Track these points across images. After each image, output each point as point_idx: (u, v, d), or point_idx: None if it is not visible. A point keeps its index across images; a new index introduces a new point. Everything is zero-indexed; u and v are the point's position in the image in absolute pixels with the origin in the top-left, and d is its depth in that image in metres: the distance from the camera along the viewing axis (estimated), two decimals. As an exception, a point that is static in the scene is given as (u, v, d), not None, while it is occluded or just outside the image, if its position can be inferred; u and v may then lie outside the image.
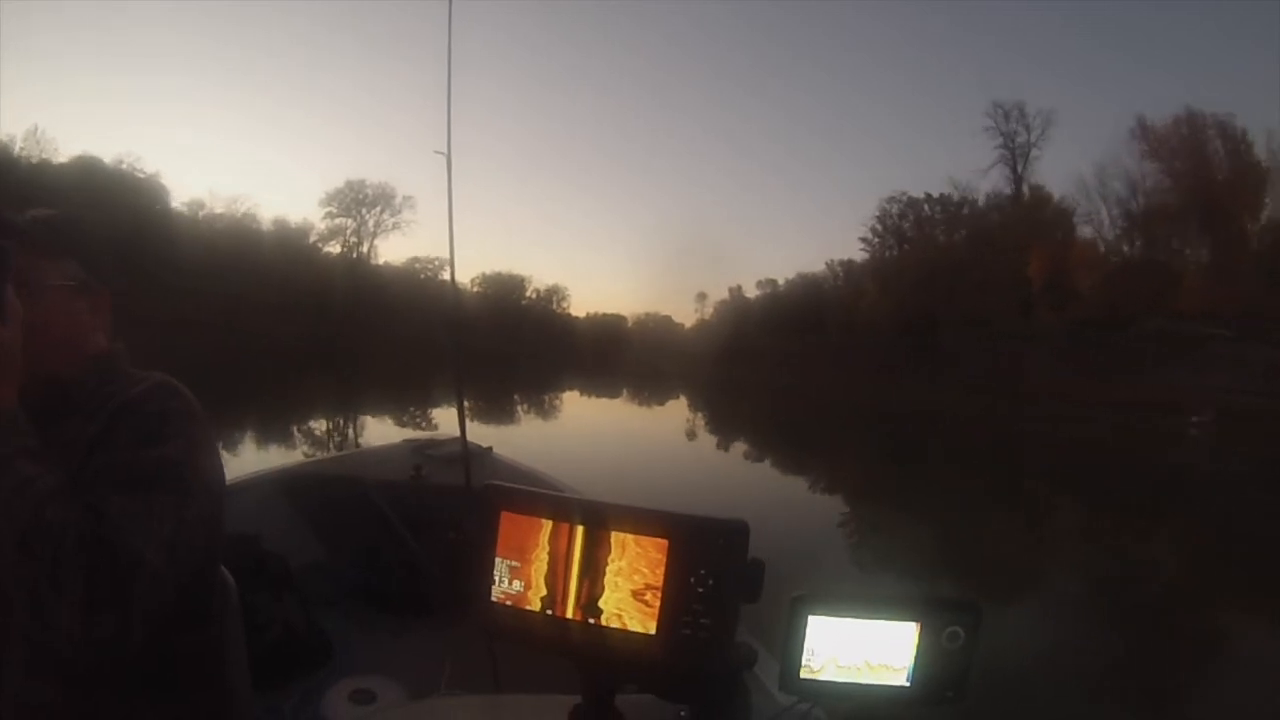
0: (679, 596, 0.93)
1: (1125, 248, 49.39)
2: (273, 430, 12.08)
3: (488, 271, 72.33)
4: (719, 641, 0.93)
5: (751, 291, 77.42)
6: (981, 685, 1.07)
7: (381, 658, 2.47)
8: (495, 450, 3.71)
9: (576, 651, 0.98)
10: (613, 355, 68.26)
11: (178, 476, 0.99)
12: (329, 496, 3.17)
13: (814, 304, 65.14)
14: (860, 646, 1.01)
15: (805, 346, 59.15)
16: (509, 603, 0.98)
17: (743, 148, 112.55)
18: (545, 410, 25.49)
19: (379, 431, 13.01)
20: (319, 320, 48.42)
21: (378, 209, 61.23)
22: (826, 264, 70.45)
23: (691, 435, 19.97)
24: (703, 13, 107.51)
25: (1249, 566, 8.16)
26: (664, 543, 0.93)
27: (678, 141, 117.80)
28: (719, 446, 18.09)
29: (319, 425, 13.86)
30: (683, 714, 1.10)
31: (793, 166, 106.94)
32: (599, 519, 0.96)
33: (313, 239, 60.19)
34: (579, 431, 19.54)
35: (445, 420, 13.72)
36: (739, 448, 18.19)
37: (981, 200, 56.91)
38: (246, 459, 8.60)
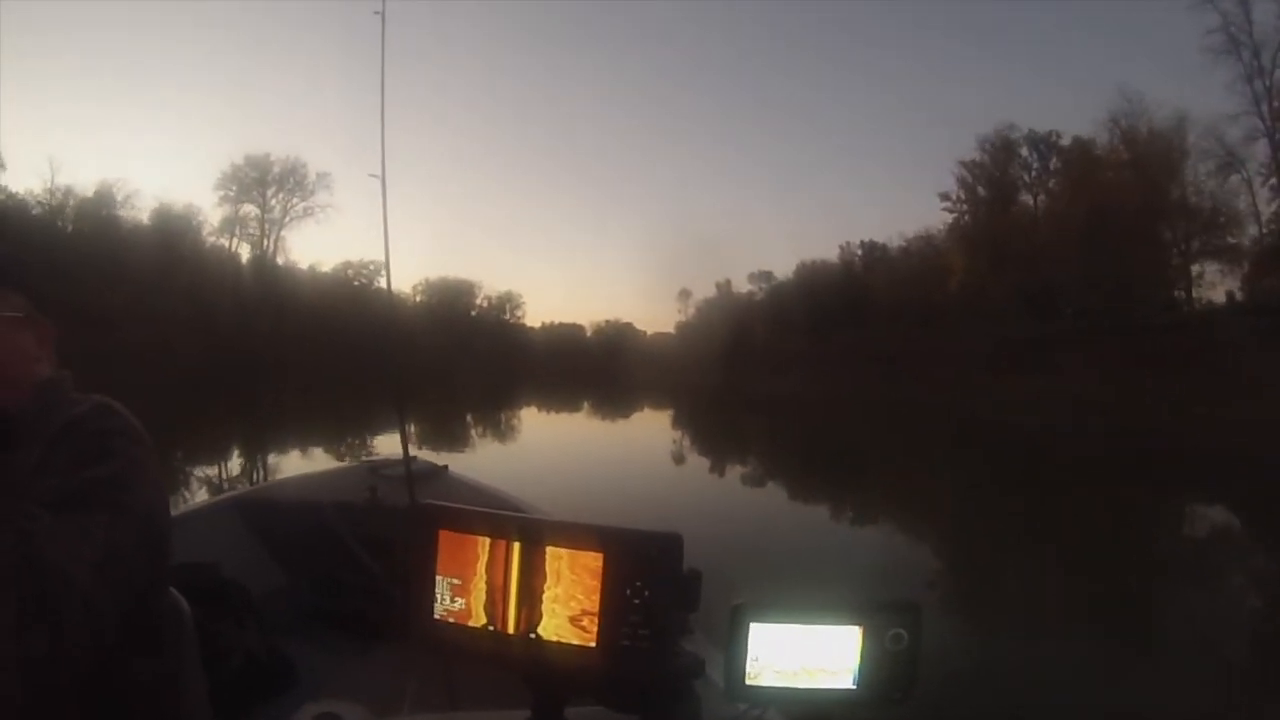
0: (616, 609, 1.02)
1: None
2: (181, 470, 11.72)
3: (432, 278, 70.59)
4: (659, 651, 1.02)
5: (743, 286, 73.83)
6: (928, 686, 1.15)
7: (346, 681, 2.60)
8: (451, 469, 3.84)
9: (520, 666, 1.07)
10: (572, 367, 67.81)
11: (113, 497, 1.03)
12: (287, 521, 3.32)
13: (846, 291, 57.30)
14: (804, 652, 1.11)
15: (830, 344, 51.59)
16: (452, 620, 1.07)
17: (712, 129, 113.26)
18: (503, 429, 25.49)
19: (295, 465, 12.72)
20: (220, 332, 44.41)
21: (286, 190, 56.05)
22: (841, 247, 64.49)
23: (658, 451, 19.92)
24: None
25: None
26: (599, 556, 1.03)
27: (639, 133, 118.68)
28: (686, 462, 18.13)
29: (222, 465, 13.28)
30: None
31: (784, 136, 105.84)
32: (535, 535, 1.05)
33: (207, 232, 54.70)
34: (539, 450, 19.54)
35: (383, 446, 13.65)
36: (707, 463, 18.21)
37: (1150, 125, 40.53)
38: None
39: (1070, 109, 72.18)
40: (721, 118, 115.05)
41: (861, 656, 1.10)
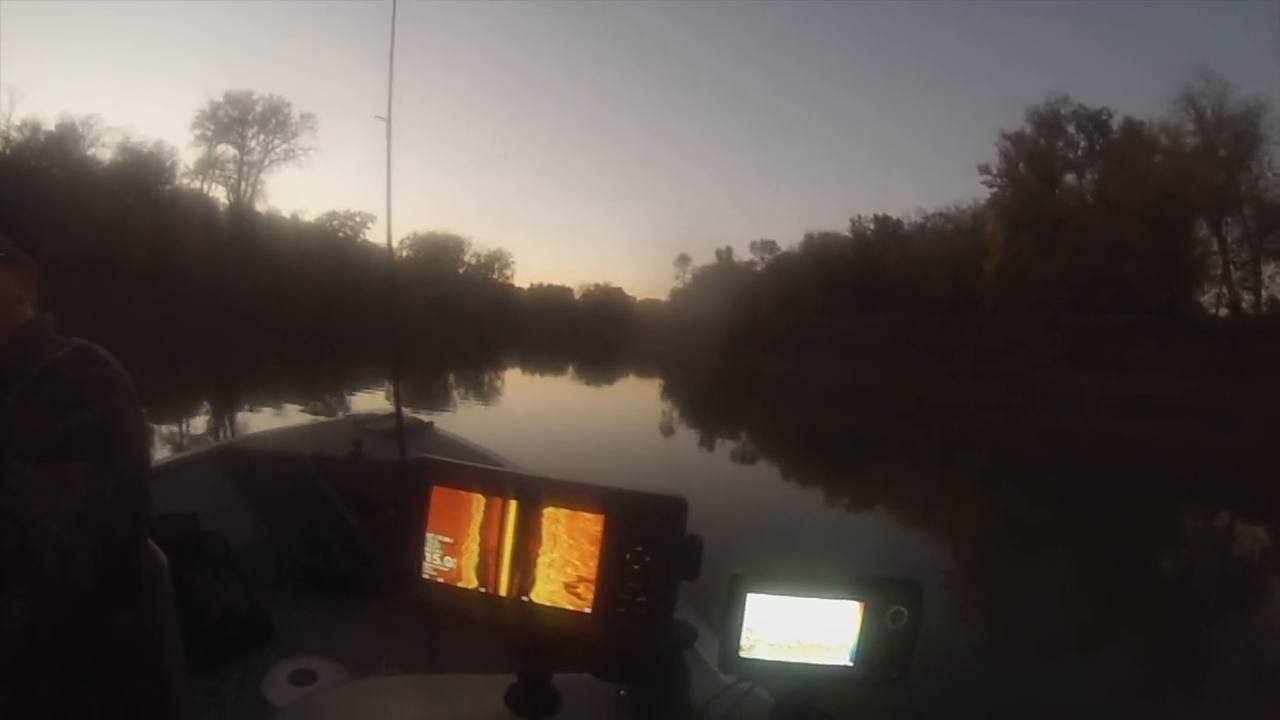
0: (615, 574, 0.99)
1: None
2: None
3: (420, 232, 69.98)
4: (655, 620, 0.99)
5: (744, 255, 72.74)
6: (925, 665, 1.15)
7: (323, 638, 2.63)
8: (437, 426, 3.89)
9: (510, 630, 1.04)
10: (559, 330, 67.86)
11: (93, 446, 1.02)
12: (269, 474, 3.32)
13: (861, 267, 54.54)
14: (801, 625, 1.09)
15: (848, 324, 48.81)
16: (441, 580, 1.04)
17: (715, 89, 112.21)
18: (487, 389, 25.70)
19: (271, 421, 12.61)
20: (191, 281, 42.28)
21: (267, 131, 53.56)
22: (852, 220, 62.01)
23: (645, 421, 20.14)
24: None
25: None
26: (600, 518, 1.00)
27: (638, 90, 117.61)
28: (675, 434, 18.19)
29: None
30: (621, 693, 1.18)
31: (790, 99, 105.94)
32: (534, 494, 1.02)
33: (180, 174, 51.62)
34: (522, 412, 19.79)
35: (362, 403, 13.65)
36: (698, 436, 18.36)
37: (1223, 108, 37.80)
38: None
39: (1118, 88, 69.56)
40: (725, 77, 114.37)
41: (860, 633, 1.09)
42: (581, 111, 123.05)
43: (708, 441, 16.97)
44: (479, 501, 1.03)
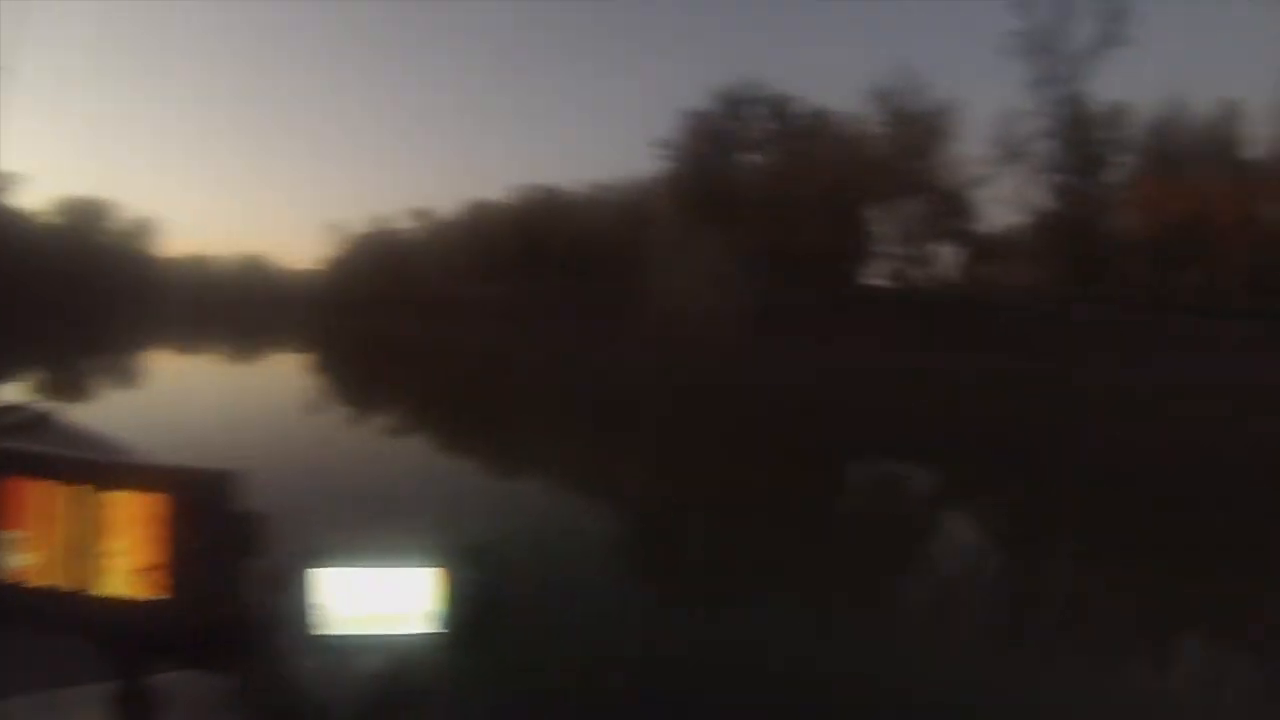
0: (183, 555, 0.97)
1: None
2: None
3: (61, 194, 64.64)
4: (225, 602, 1.00)
5: (403, 222, 72.17)
6: (515, 630, 1.38)
7: None
8: (59, 416, 3.79)
9: (90, 629, 1.01)
10: (208, 303, 65.28)
11: None
12: None
13: (523, 235, 54.22)
14: (376, 596, 1.09)
15: (513, 291, 49.15)
16: (17, 580, 0.98)
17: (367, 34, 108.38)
18: (128, 371, 24.71)
19: None
20: None
21: None
22: (509, 188, 62.09)
23: (283, 396, 20.01)
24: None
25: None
26: (164, 498, 0.97)
27: (291, 41, 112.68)
28: (319, 407, 18.27)
29: None
30: (218, 683, 1.16)
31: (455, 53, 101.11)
32: (98, 479, 0.98)
33: None
34: (164, 394, 19.36)
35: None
36: (341, 408, 18.37)
37: (916, 104, 40.34)
38: None
39: (813, 80, 72.45)
40: (378, 35, 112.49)
41: (440, 599, 1.10)
42: (229, 66, 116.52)
43: (357, 417, 17.10)
44: (52, 491, 0.98)
